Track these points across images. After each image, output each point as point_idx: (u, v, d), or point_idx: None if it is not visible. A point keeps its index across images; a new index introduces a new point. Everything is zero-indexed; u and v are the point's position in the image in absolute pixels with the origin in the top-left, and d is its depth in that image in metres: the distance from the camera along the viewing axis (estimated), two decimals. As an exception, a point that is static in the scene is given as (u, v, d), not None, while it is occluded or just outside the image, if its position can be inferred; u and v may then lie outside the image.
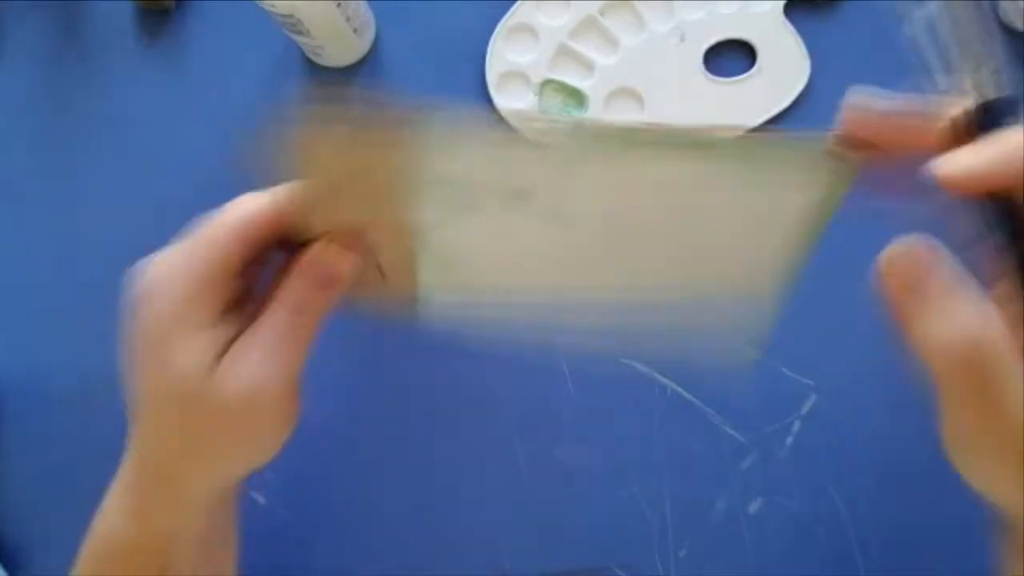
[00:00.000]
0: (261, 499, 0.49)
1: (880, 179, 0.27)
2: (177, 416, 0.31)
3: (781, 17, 0.49)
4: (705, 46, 0.49)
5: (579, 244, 0.31)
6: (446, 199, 0.30)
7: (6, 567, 0.49)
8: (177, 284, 0.30)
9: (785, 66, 0.49)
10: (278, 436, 0.32)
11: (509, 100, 0.50)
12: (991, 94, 0.24)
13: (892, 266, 0.27)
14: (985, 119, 0.25)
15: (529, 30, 0.50)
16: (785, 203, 0.30)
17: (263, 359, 0.29)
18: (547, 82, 0.50)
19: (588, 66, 0.50)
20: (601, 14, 0.50)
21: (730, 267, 0.31)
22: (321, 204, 0.30)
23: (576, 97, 0.50)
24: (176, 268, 0.31)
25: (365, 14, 0.49)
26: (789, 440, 0.47)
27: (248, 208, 0.31)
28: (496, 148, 0.29)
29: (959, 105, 0.25)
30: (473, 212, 0.30)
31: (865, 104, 0.26)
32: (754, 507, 0.47)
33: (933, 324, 0.24)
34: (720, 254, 0.31)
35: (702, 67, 0.49)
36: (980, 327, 0.23)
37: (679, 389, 0.47)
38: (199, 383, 0.29)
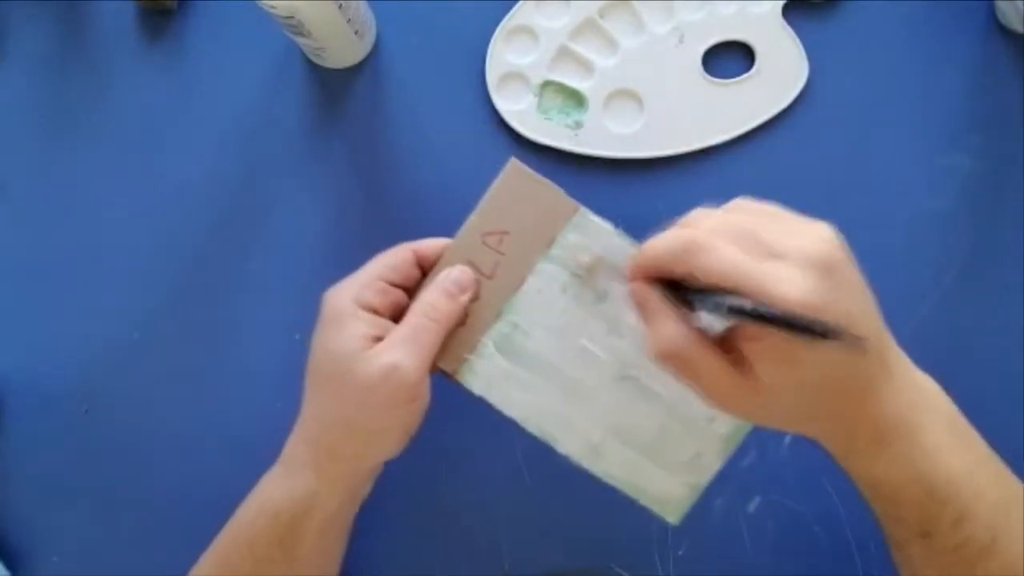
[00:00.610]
0: (261, 499, 0.49)
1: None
2: (330, 389, 0.38)
3: (780, 18, 0.49)
4: (704, 47, 0.49)
5: (622, 354, 0.40)
6: (556, 273, 0.40)
7: (7, 567, 0.49)
8: (349, 287, 0.39)
9: (784, 67, 0.49)
10: (409, 417, 0.38)
11: (509, 101, 0.50)
12: None
13: (631, 292, 0.35)
14: None
15: (529, 31, 0.50)
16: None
17: (398, 347, 0.37)
18: (547, 83, 0.50)
19: (588, 67, 0.50)
20: (601, 16, 0.50)
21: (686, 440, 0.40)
22: (490, 222, 0.40)
23: (576, 98, 0.50)
24: (350, 279, 0.40)
25: (366, 16, 0.49)
26: (787, 439, 0.47)
27: (427, 243, 0.41)
28: (610, 247, 0.39)
29: None
30: (565, 293, 0.40)
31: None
32: (753, 506, 0.47)
33: (648, 335, 0.34)
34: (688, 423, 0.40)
35: (701, 68, 0.49)
36: (673, 338, 0.32)
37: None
38: (350, 362, 0.37)
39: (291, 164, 0.51)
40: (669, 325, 0.33)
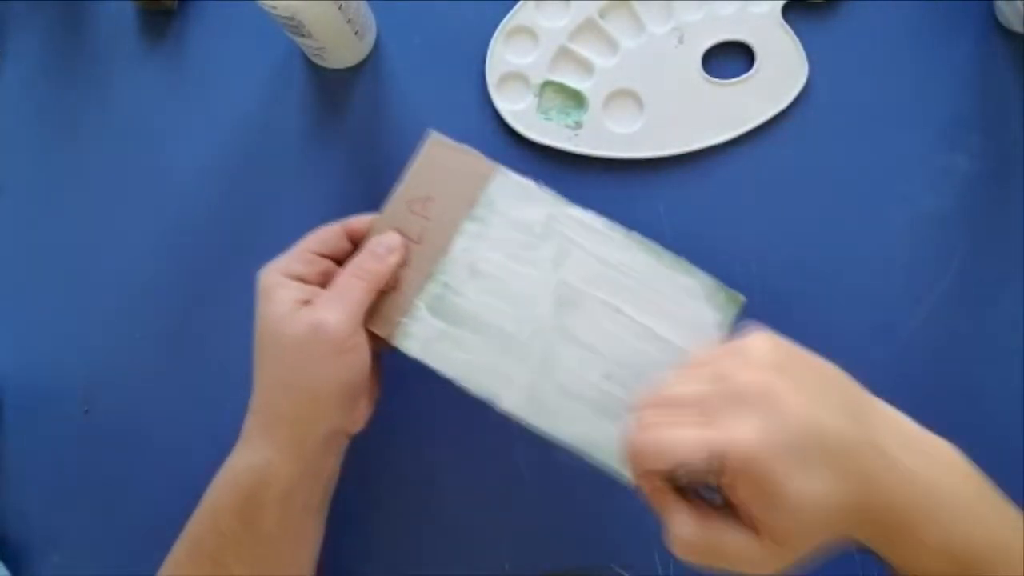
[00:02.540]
0: (261, 499, 0.49)
1: None
2: (266, 355, 0.40)
3: (779, 19, 0.49)
4: (704, 48, 0.49)
5: (556, 297, 0.40)
6: (481, 231, 0.41)
7: (8, 566, 0.49)
8: (278, 262, 0.41)
9: (783, 67, 0.49)
10: (345, 372, 0.39)
11: (509, 101, 0.50)
12: None
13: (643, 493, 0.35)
14: None
15: (529, 32, 0.50)
16: (698, 325, 0.40)
17: (324, 305, 0.39)
18: (547, 83, 0.50)
19: (587, 68, 0.50)
20: (600, 16, 0.50)
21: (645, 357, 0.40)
22: (414, 190, 0.42)
23: (576, 98, 0.50)
24: (281, 256, 0.41)
25: (366, 16, 0.49)
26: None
27: (357, 218, 0.42)
28: (535, 201, 0.41)
29: None
30: (494, 249, 0.41)
31: None
32: (753, 506, 0.47)
33: (665, 534, 0.33)
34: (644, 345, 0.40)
35: (701, 69, 0.49)
36: (686, 530, 0.33)
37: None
38: (279, 324, 0.38)
39: (291, 164, 0.51)
40: (680, 517, 0.33)
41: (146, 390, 0.50)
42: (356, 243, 0.42)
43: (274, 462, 0.39)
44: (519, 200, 0.41)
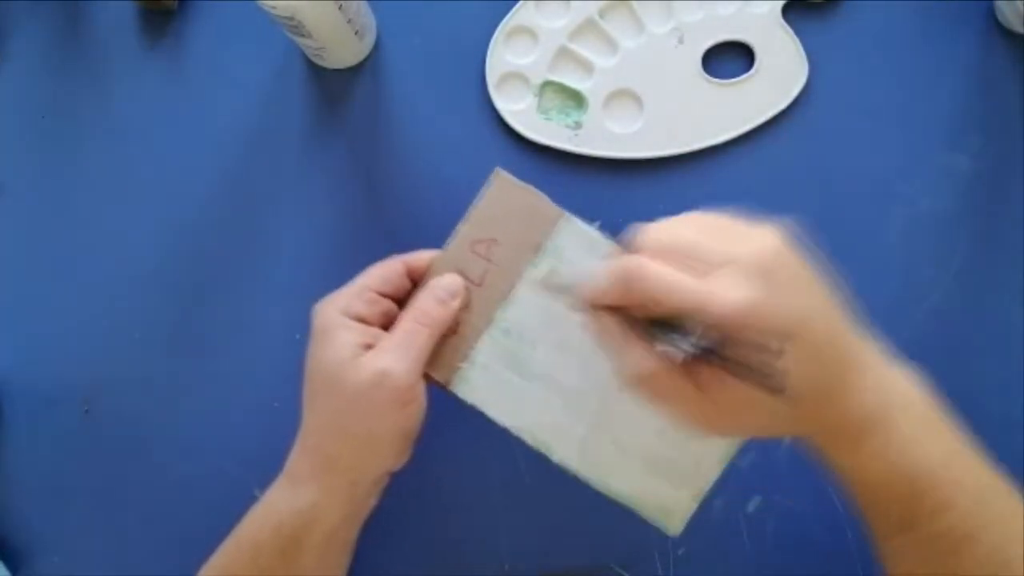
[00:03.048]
0: (261, 499, 0.49)
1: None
2: (324, 399, 0.39)
3: (779, 19, 0.49)
4: (704, 48, 0.49)
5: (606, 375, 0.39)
6: (548, 279, 0.40)
7: (7, 567, 0.49)
8: (337, 299, 0.39)
9: (783, 67, 0.49)
10: (405, 422, 0.38)
11: (509, 101, 0.50)
12: None
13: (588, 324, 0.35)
14: None
15: (529, 32, 0.50)
16: None
17: (388, 353, 0.38)
18: (547, 83, 0.50)
19: (587, 68, 0.50)
20: (600, 16, 0.50)
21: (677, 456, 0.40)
22: (478, 231, 0.41)
23: (575, 98, 0.50)
24: (339, 291, 0.40)
25: (366, 16, 0.49)
26: (787, 439, 0.47)
27: (416, 255, 0.41)
28: (598, 250, 0.40)
29: None
30: (557, 299, 0.39)
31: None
32: (752, 506, 0.47)
33: (616, 364, 0.34)
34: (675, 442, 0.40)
35: (701, 69, 0.49)
36: (639, 367, 0.33)
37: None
38: (341, 370, 0.37)
39: (291, 164, 0.51)
40: (635, 351, 0.33)
41: (146, 390, 0.50)
42: (415, 280, 0.41)
43: (321, 506, 0.39)
44: (583, 249, 0.40)
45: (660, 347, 0.32)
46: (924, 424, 0.35)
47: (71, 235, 0.52)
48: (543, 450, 0.39)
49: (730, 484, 0.47)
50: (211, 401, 0.50)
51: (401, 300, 0.41)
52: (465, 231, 0.41)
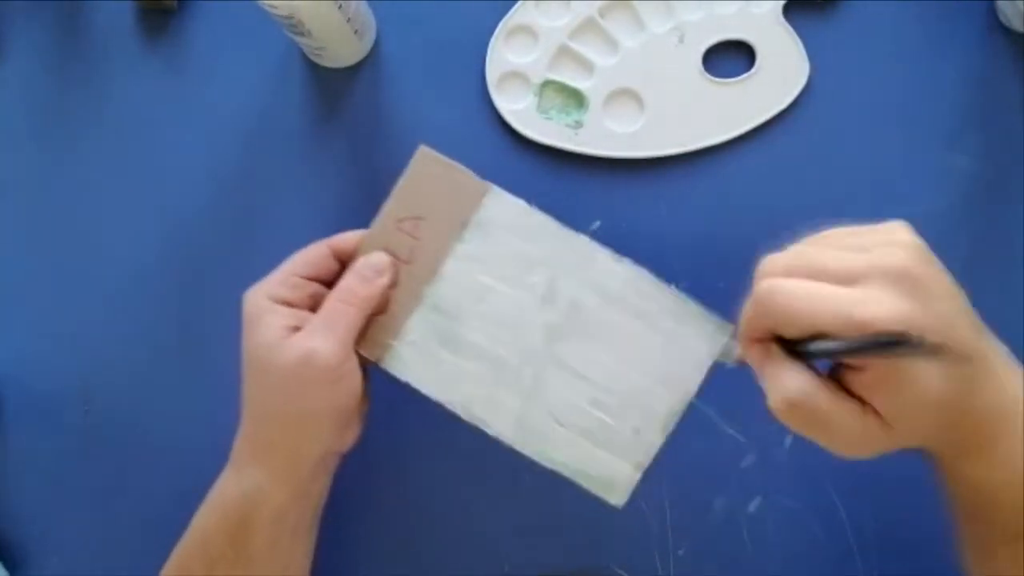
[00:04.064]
0: (261, 499, 0.49)
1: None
2: (256, 383, 0.39)
3: (780, 18, 0.49)
4: (704, 47, 0.49)
5: (547, 323, 0.40)
6: (473, 253, 0.40)
7: (6, 567, 0.49)
8: (264, 286, 0.40)
9: (784, 67, 0.49)
10: (337, 399, 0.39)
11: (509, 101, 0.50)
12: None
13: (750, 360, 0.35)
14: None
15: (529, 31, 0.50)
16: (687, 354, 0.39)
17: (314, 333, 0.38)
18: (547, 83, 0.50)
19: (588, 67, 0.50)
20: (601, 15, 0.50)
21: (637, 392, 0.40)
22: (404, 209, 0.41)
23: (576, 98, 0.50)
24: (266, 278, 0.40)
25: (366, 15, 0.49)
26: (788, 440, 0.47)
27: (342, 237, 0.42)
28: (528, 222, 0.40)
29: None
30: (486, 273, 0.40)
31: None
32: (753, 506, 0.47)
33: (769, 392, 0.33)
34: (633, 375, 0.40)
35: (701, 68, 0.49)
36: (797, 388, 0.31)
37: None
38: (269, 353, 0.38)
39: (291, 164, 0.51)
40: (792, 375, 0.32)
41: (145, 390, 0.50)
42: (344, 262, 0.41)
43: (265, 487, 0.39)
44: (512, 222, 0.40)
45: (813, 352, 0.31)
46: None
47: (71, 235, 0.52)
48: (478, 424, 0.40)
49: (731, 484, 0.47)
50: (211, 401, 0.50)
51: (330, 283, 0.41)
52: (390, 209, 0.41)
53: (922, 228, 0.48)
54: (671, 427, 0.39)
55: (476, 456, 0.48)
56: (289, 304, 0.39)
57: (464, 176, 0.41)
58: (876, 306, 0.29)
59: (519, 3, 0.50)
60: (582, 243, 0.40)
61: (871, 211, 0.49)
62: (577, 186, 0.49)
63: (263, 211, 0.51)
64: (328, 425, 0.39)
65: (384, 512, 0.49)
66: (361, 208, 0.50)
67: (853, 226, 0.34)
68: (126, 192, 0.52)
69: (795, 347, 0.32)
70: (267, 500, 0.39)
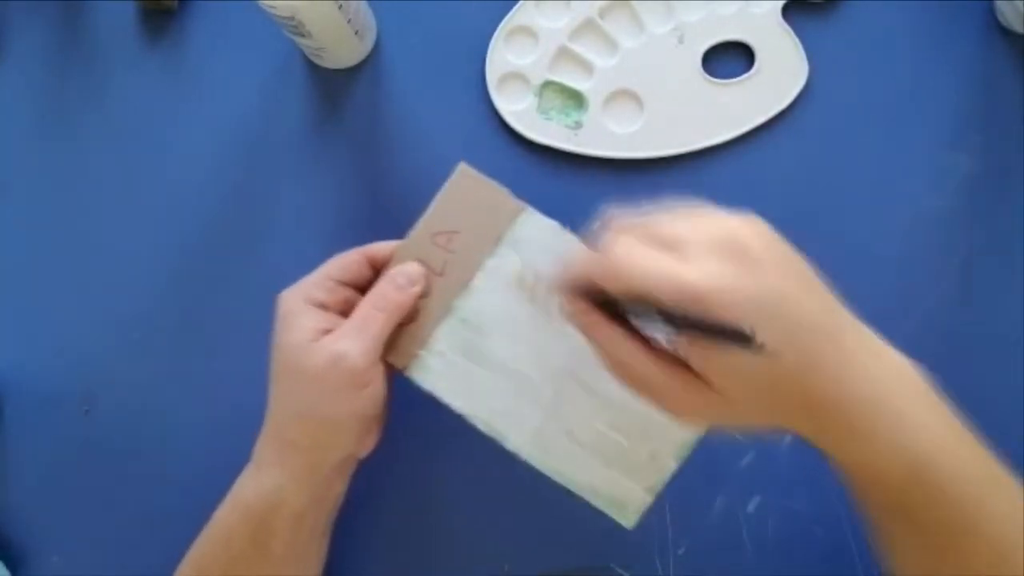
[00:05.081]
0: (261, 499, 0.49)
1: None
2: (285, 383, 0.39)
3: (779, 19, 0.49)
4: (704, 48, 0.49)
5: (571, 344, 0.39)
6: (504, 269, 0.41)
7: (7, 567, 0.49)
8: (300, 287, 0.40)
9: (783, 67, 0.49)
10: (362, 404, 0.39)
11: (509, 101, 0.50)
12: None
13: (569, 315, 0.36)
14: None
15: (529, 32, 0.50)
16: None
17: (345, 336, 0.38)
18: (547, 83, 0.50)
19: (588, 68, 0.50)
20: (600, 16, 0.50)
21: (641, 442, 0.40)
22: (440, 222, 0.41)
23: (576, 98, 0.50)
24: (301, 280, 0.41)
25: (366, 16, 0.49)
26: (788, 438, 0.47)
27: (378, 245, 0.42)
28: (558, 243, 0.40)
29: None
30: (514, 290, 0.41)
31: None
32: (753, 505, 0.47)
33: (599, 353, 0.35)
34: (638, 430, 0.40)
35: (701, 68, 0.49)
36: (626, 353, 0.33)
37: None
38: (299, 354, 0.38)
39: (291, 164, 0.51)
40: (618, 342, 0.33)
41: (146, 390, 0.50)
42: (378, 270, 0.42)
43: (286, 488, 0.39)
44: (543, 242, 0.41)
45: (642, 329, 0.32)
46: (922, 406, 0.34)
47: (71, 235, 0.52)
48: (497, 438, 0.40)
49: (730, 484, 0.47)
50: (211, 401, 0.50)
51: (363, 289, 0.41)
52: (427, 222, 0.41)
53: (922, 228, 0.49)
54: (686, 452, 0.40)
55: (476, 457, 0.48)
56: (324, 306, 0.40)
57: (501, 195, 0.41)
58: (698, 272, 0.30)
59: (519, 4, 0.50)
60: None
61: (871, 211, 0.49)
62: (577, 186, 0.49)
63: (264, 211, 0.51)
64: (350, 429, 0.40)
65: (384, 512, 0.48)
66: (361, 208, 0.51)
67: (702, 205, 0.34)
68: (126, 192, 0.52)
69: (617, 308, 0.33)
70: (287, 501, 0.39)
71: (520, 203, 0.41)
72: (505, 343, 0.40)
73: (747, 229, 0.32)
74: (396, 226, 0.50)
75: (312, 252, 0.50)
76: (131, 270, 0.51)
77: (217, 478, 0.49)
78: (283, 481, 0.39)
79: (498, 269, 0.41)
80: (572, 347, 0.39)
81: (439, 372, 0.40)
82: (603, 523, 0.47)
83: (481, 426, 0.40)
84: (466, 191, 0.41)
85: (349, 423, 0.39)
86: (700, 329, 0.30)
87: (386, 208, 0.51)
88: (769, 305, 0.30)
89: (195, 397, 0.50)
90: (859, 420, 0.33)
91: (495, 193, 0.41)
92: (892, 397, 0.33)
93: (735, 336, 0.29)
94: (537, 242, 0.41)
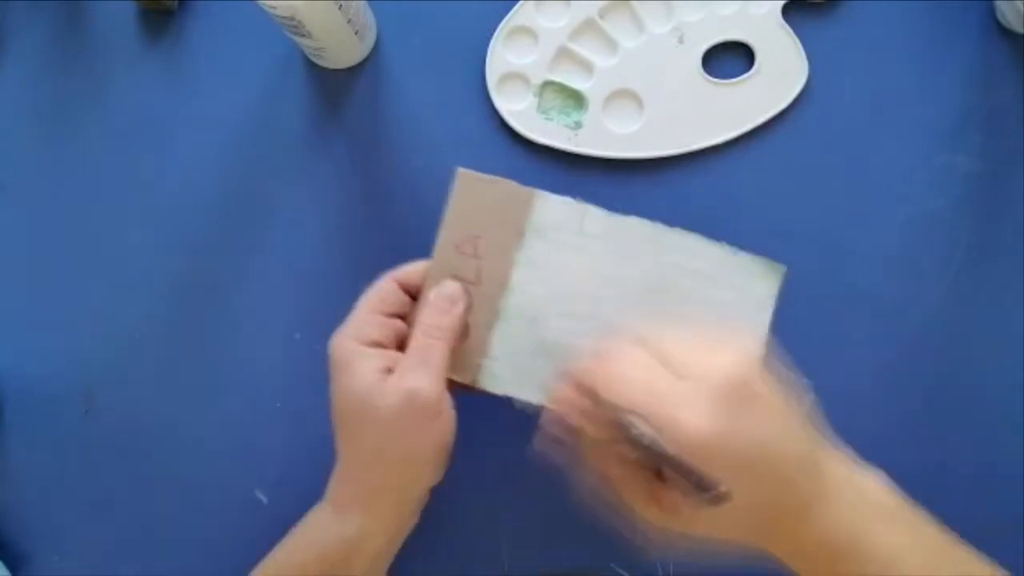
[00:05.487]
0: (264, 498, 0.49)
1: None
2: (358, 428, 0.39)
3: (779, 19, 0.49)
4: (704, 48, 0.49)
5: (617, 305, 0.41)
6: (535, 258, 0.41)
7: (7, 567, 0.49)
8: (349, 329, 0.40)
9: (783, 67, 0.49)
10: (440, 435, 0.39)
11: (509, 101, 0.50)
12: None
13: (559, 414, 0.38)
14: None
15: (529, 32, 0.50)
16: (749, 301, 0.41)
17: (411, 372, 0.38)
18: (547, 83, 0.50)
19: (587, 68, 0.50)
20: (600, 16, 0.50)
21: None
22: (458, 232, 0.41)
23: (575, 98, 0.50)
24: (347, 323, 0.40)
25: (366, 16, 0.49)
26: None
27: (406, 269, 0.42)
28: (577, 216, 0.41)
29: None
30: (554, 272, 0.41)
31: None
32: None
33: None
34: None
35: (701, 68, 0.49)
36: (599, 458, 0.36)
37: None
38: (370, 397, 0.37)
39: (291, 164, 0.51)
40: (590, 451, 0.35)
41: (146, 390, 0.50)
42: (411, 294, 0.41)
43: (369, 530, 0.40)
44: (564, 220, 0.41)
45: (620, 445, 0.34)
46: (902, 528, 0.36)
47: (71, 235, 0.52)
48: None
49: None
50: (211, 401, 0.50)
51: (404, 316, 0.41)
52: (446, 236, 0.41)
53: (922, 228, 0.49)
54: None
55: (476, 456, 0.48)
56: (379, 344, 0.39)
57: (508, 186, 0.41)
58: (692, 413, 0.32)
59: (519, 4, 0.50)
60: (631, 222, 0.41)
61: (871, 211, 0.49)
62: (577, 186, 0.49)
63: (263, 211, 0.51)
64: (432, 463, 0.40)
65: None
66: (361, 207, 0.51)
67: (700, 329, 0.38)
68: (126, 192, 0.52)
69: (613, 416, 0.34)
70: (369, 543, 0.40)
71: (529, 189, 0.41)
72: (557, 326, 0.41)
73: (740, 374, 0.34)
74: (396, 226, 0.50)
75: (313, 252, 0.51)
76: (131, 270, 0.51)
77: (217, 478, 0.49)
78: (367, 524, 0.39)
79: (531, 260, 0.41)
80: (618, 307, 0.40)
81: (506, 374, 0.40)
82: (603, 523, 0.47)
83: None
84: (473, 194, 0.41)
85: (430, 457, 0.39)
86: (673, 467, 0.32)
87: (386, 208, 0.51)
88: (752, 457, 0.33)
89: (195, 397, 0.50)
90: (842, 555, 0.35)
91: (502, 187, 0.41)
92: (873, 531, 0.35)
93: (703, 485, 0.31)
94: (558, 222, 0.41)
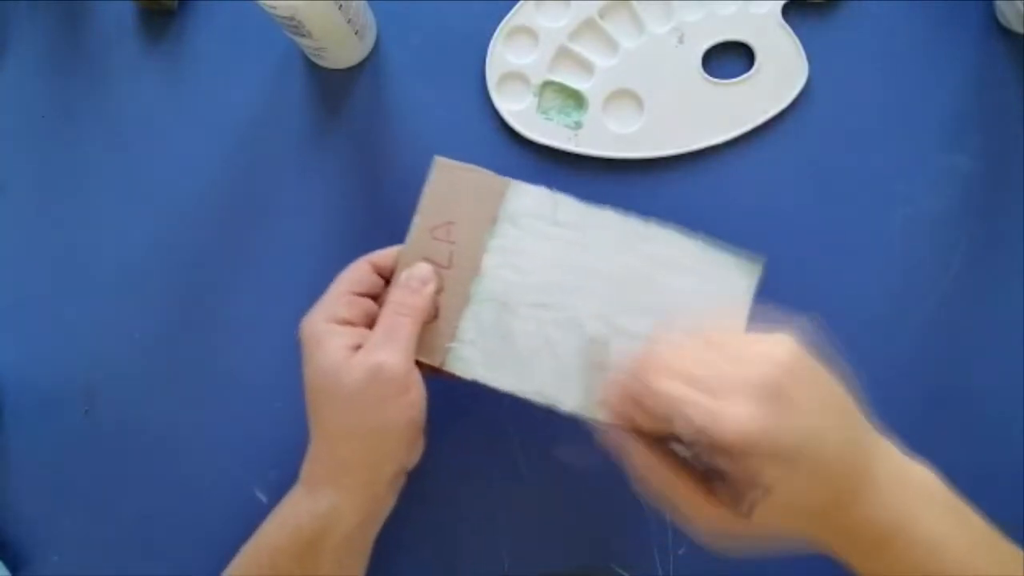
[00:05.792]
0: (264, 498, 0.49)
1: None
2: (327, 405, 0.39)
3: (779, 19, 0.49)
4: (704, 48, 0.49)
5: (591, 294, 0.41)
6: (507, 245, 0.41)
7: (7, 567, 0.49)
8: (320, 309, 0.40)
9: (783, 67, 0.49)
10: (408, 411, 0.39)
11: (509, 101, 0.50)
12: None
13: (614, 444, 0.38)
14: None
15: (529, 32, 0.50)
16: (725, 293, 0.41)
17: (378, 348, 0.38)
18: (547, 83, 0.50)
19: (587, 68, 0.50)
20: (600, 16, 0.50)
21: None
22: (433, 217, 0.42)
23: (575, 98, 0.50)
24: (318, 303, 0.41)
25: (366, 16, 0.49)
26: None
27: (381, 253, 0.42)
28: (557, 213, 0.42)
29: None
30: (524, 259, 0.41)
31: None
32: (753, 506, 0.47)
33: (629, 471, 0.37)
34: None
35: (701, 68, 0.49)
36: (646, 460, 0.36)
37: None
38: (337, 374, 0.38)
39: (291, 164, 0.51)
40: (640, 453, 0.35)
41: (146, 390, 0.50)
42: (385, 278, 0.42)
43: (341, 507, 0.39)
44: (537, 208, 0.42)
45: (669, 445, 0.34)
46: (948, 517, 0.35)
47: (71, 235, 0.52)
48: (552, 404, 0.40)
49: (730, 484, 0.47)
50: (211, 401, 0.50)
51: (376, 297, 0.42)
52: (421, 221, 0.42)
53: (922, 228, 0.49)
54: None
55: (476, 455, 0.48)
56: (348, 323, 0.40)
57: (483, 175, 0.42)
58: (734, 419, 0.32)
59: (519, 4, 0.50)
60: (606, 213, 0.42)
61: (871, 211, 0.49)
62: (576, 186, 0.49)
63: (263, 211, 0.51)
64: (401, 438, 0.40)
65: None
66: (361, 207, 0.51)
67: (736, 334, 0.37)
68: (126, 192, 0.52)
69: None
70: (341, 521, 0.40)
71: (503, 178, 0.42)
72: (528, 313, 0.41)
73: (786, 366, 0.33)
74: (396, 225, 0.50)
75: (313, 252, 0.51)
76: (131, 270, 0.51)
77: (217, 478, 0.49)
78: (338, 500, 0.39)
79: (502, 246, 0.41)
80: (592, 297, 0.41)
81: (475, 358, 0.41)
82: (603, 523, 0.47)
83: (534, 398, 0.40)
84: (449, 181, 0.42)
85: (399, 431, 0.39)
86: (716, 471, 0.32)
87: (386, 207, 0.51)
88: (800, 449, 0.32)
89: (195, 397, 0.50)
90: (889, 539, 0.34)
91: (477, 175, 0.42)
92: (922, 511, 0.35)
93: (730, 493, 0.32)
94: (530, 210, 0.42)
